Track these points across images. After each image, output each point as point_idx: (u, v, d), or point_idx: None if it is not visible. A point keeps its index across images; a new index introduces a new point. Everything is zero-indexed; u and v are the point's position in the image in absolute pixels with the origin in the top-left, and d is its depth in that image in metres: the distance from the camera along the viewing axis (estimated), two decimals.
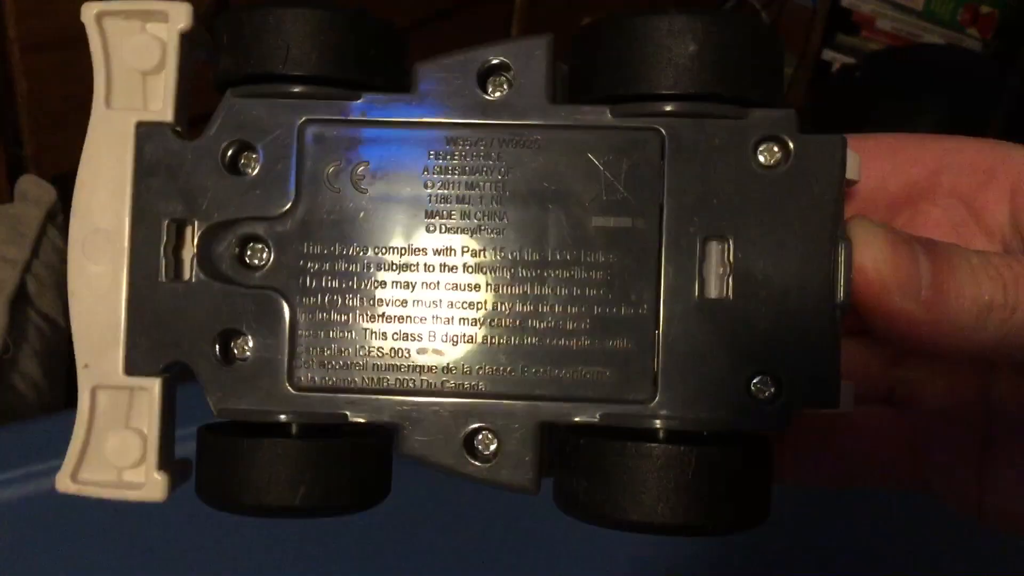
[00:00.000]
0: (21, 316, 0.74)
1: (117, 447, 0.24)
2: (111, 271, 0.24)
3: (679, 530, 0.23)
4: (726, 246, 0.23)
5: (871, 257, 0.23)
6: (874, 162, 0.26)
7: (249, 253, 0.24)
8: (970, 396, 0.28)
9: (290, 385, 0.24)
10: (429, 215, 0.24)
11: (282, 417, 0.24)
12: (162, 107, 0.24)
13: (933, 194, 0.27)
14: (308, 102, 0.24)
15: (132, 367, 0.24)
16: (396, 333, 0.24)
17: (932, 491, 0.28)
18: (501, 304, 0.24)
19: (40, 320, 0.75)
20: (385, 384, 0.24)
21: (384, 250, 0.24)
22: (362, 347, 0.24)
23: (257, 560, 0.47)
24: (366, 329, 0.24)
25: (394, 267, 0.24)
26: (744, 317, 0.23)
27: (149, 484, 0.24)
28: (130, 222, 0.24)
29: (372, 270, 0.24)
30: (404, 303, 0.24)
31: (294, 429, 0.24)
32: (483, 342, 0.24)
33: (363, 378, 0.24)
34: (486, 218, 0.24)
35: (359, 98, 0.24)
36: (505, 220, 0.24)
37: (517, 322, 0.24)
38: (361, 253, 0.24)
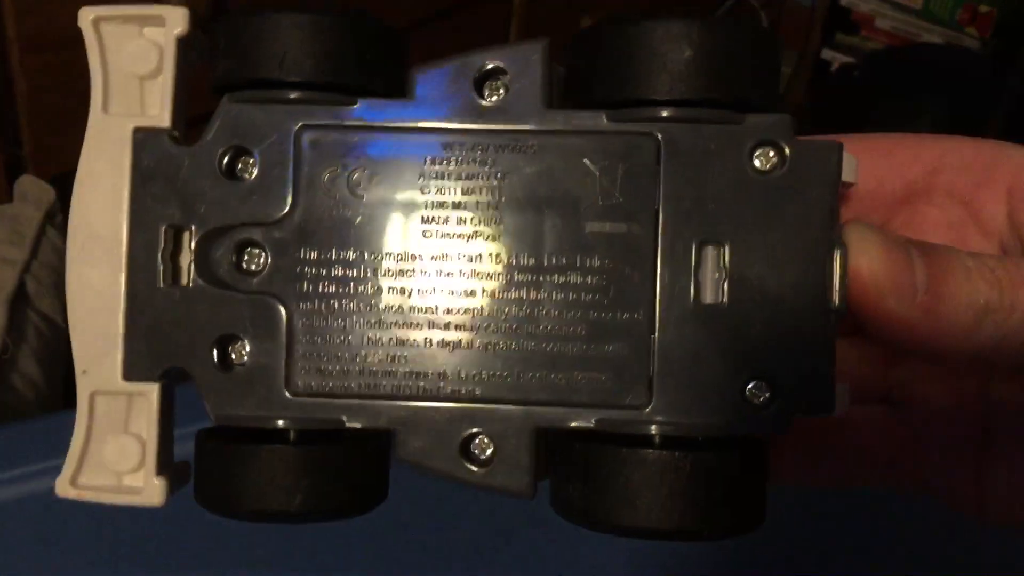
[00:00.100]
0: (20, 316, 0.74)
1: (116, 452, 0.24)
2: (109, 277, 0.24)
3: (674, 535, 0.23)
4: (722, 251, 0.23)
5: (866, 261, 0.23)
6: (872, 162, 0.26)
7: (246, 258, 0.24)
8: (968, 395, 0.28)
9: (287, 391, 0.24)
10: (425, 220, 0.24)
11: (280, 423, 0.24)
12: (159, 112, 0.24)
13: (930, 194, 0.27)
14: (305, 107, 0.24)
15: (130, 373, 0.24)
16: (392, 339, 0.24)
17: (931, 491, 0.28)
18: (497, 309, 0.24)
19: (39, 320, 0.75)
20: (381, 390, 0.24)
21: (381, 256, 0.24)
22: (359, 353, 0.24)
23: (256, 557, 0.47)
24: (362, 335, 0.24)
25: (390, 273, 0.24)
26: (739, 322, 0.23)
27: (148, 489, 0.24)
28: (128, 228, 0.24)
29: (369, 275, 0.24)
30: (401, 309, 0.24)
31: (292, 435, 0.24)
32: (479, 347, 0.24)
33: (360, 384, 0.24)
34: (482, 224, 0.24)
35: (356, 103, 0.24)
36: (501, 225, 0.24)
37: (513, 327, 0.24)
38: (358, 259, 0.24)
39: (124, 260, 0.24)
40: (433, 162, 0.24)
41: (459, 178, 0.24)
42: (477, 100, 0.24)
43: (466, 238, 0.24)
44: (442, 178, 0.24)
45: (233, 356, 0.24)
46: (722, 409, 0.23)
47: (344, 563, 0.47)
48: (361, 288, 0.24)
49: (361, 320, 0.24)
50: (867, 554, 0.49)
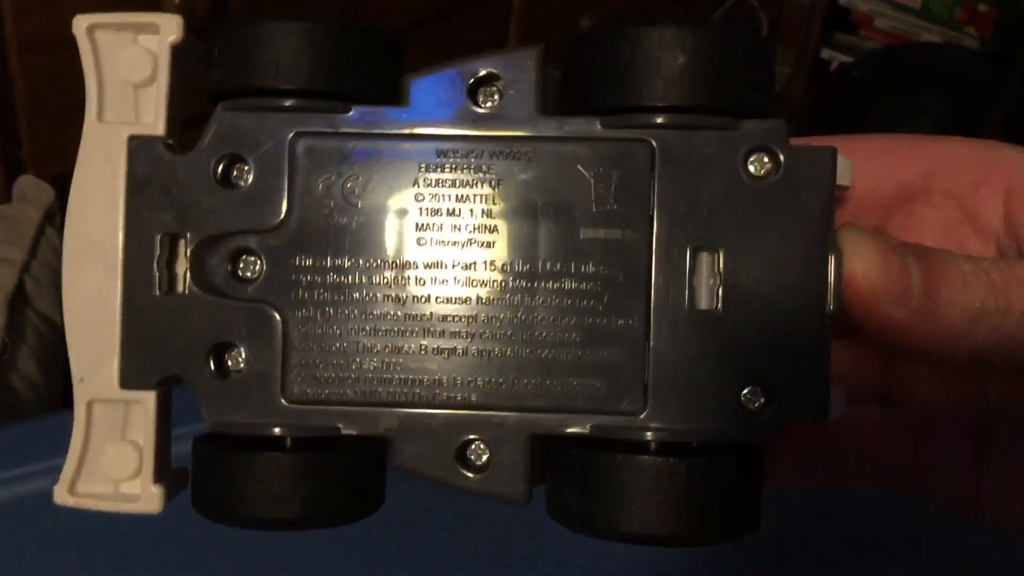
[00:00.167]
0: (19, 316, 0.74)
1: (114, 459, 0.24)
2: (105, 285, 0.24)
3: (670, 541, 0.23)
4: (716, 257, 0.23)
5: (861, 266, 0.23)
6: (868, 163, 0.26)
7: (242, 266, 0.24)
8: (966, 396, 0.28)
9: (283, 398, 0.24)
10: (420, 228, 0.24)
11: (276, 430, 0.24)
12: (154, 120, 0.24)
13: (927, 195, 0.27)
14: (299, 115, 0.24)
15: (127, 381, 0.24)
16: (388, 346, 0.24)
17: (929, 491, 0.28)
18: (492, 316, 0.24)
19: (38, 320, 0.75)
20: (378, 397, 0.24)
21: (375, 263, 0.24)
22: (354, 360, 0.24)
23: (254, 558, 0.47)
24: (358, 342, 0.24)
25: (385, 280, 0.24)
26: (734, 328, 0.23)
27: (145, 496, 0.24)
28: (123, 236, 0.24)
29: (364, 283, 0.24)
30: (396, 316, 0.24)
31: (288, 442, 0.24)
32: (475, 354, 0.24)
33: (355, 391, 0.24)
34: (476, 231, 0.24)
35: (350, 111, 0.24)
36: (496, 233, 0.24)
37: (508, 334, 0.24)
38: (353, 266, 0.24)
39: (120, 268, 0.24)
40: (428, 169, 0.24)
41: (454, 185, 0.24)
42: (471, 107, 0.24)
43: (461, 245, 0.24)
44: (437, 185, 0.24)
45: (229, 363, 0.24)
46: (717, 415, 0.23)
47: (341, 566, 0.47)
48: (356, 295, 0.24)
49: (356, 327, 0.24)
50: (867, 554, 0.49)
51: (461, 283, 0.24)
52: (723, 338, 0.23)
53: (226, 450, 0.24)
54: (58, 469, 0.24)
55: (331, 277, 0.24)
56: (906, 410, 0.29)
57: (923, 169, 0.27)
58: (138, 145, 0.24)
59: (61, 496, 0.24)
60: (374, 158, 0.24)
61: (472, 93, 0.24)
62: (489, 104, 0.24)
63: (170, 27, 0.24)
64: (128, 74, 0.24)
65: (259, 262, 0.24)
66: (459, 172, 0.24)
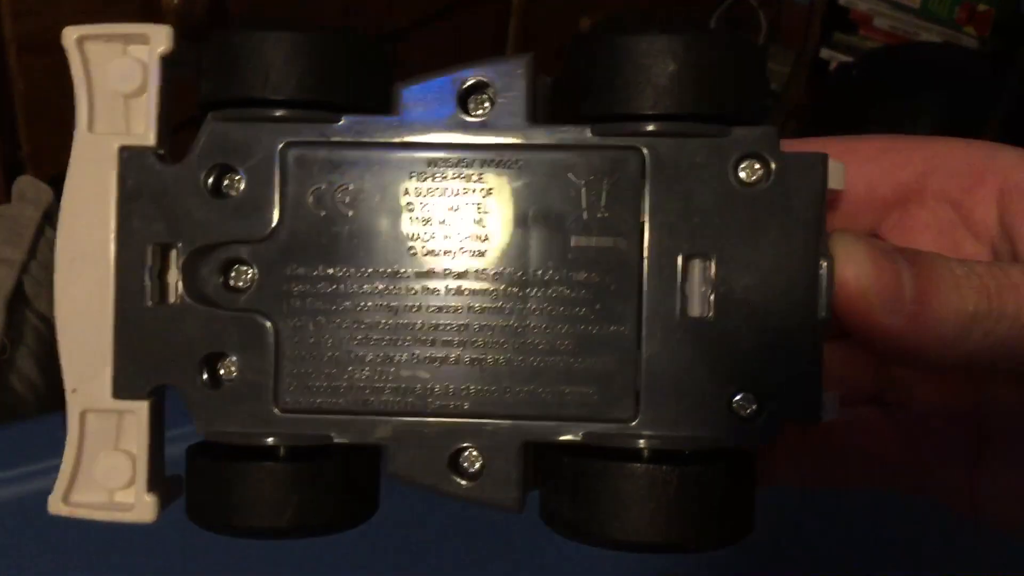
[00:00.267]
0: (18, 317, 0.74)
1: (107, 469, 0.24)
2: (97, 296, 0.24)
3: (662, 548, 0.23)
4: (708, 264, 0.23)
5: (853, 272, 0.22)
6: (863, 165, 0.26)
7: (233, 276, 0.24)
8: (962, 396, 0.28)
9: (276, 407, 0.24)
10: (411, 238, 0.24)
11: (269, 440, 0.24)
12: (144, 130, 0.24)
13: (922, 196, 0.27)
14: (290, 124, 0.24)
15: (120, 391, 0.24)
16: (380, 355, 0.24)
17: (926, 491, 0.28)
18: (484, 325, 0.24)
19: (37, 321, 0.76)
20: (370, 406, 0.24)
21: (367, 272, 0.24)
22: (346, 369, 0.24)
23: (250, 557, 0.47)
24: (350, 351, 0.24)
25: (377, 289, 0.24)
26: (726, 335, 0.23)
27: (139, 506, 0.24)
28: (115, 247, 0.24)
29: (355, 292, 0.24)
30: (388, 325, 0.24)
31: (281, 451, 0.24)
32: (467, 363, 0.24)
33: (348, 400, 0.24)
34: (468, 239, 0.24)
35: (340, 120, 0.24)
36: (487, 241, 0.24)
37: (500, 342, 0.24)
38: (344, 275, 0.24)
39: (112, 279, 0.24)
40: (418, 177, 0.24)
41: (444, 193, 0.24)
42: (462, 115, 0.24)
43: (452, 254, 0.24)
44: (428, 194, 0.24)
45: (222, 373, 0.24)
46: (709, 422, 0.23)
47: (335, 570, 0.47)
48: (348, 304, 0.24)
49: (349, 336, 0.24)
50: (867, 554, 0.49)
51: (453, 292, 0.24)
52: (715, 345, 0.23)
53: (219, 459, 0.24)
54: (57, 469, 0.24)
55: (323, 286, 0.24)
56: (903, 411, 0.28)
57: (918, 170, 0.27)
58: (129, 156, 0.24)
59: (55, 506, 0.24)
60: (365, 167, 0.24)
61: (462, 101, 0.24)
62: (480, 112, 0.24)
63: (160, 37, 0.24)
64: (118, 85, 0.24)
65: (251, 272, 0.24)
66: (450, 180, 0.24)
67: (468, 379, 0.24)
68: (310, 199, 0.24)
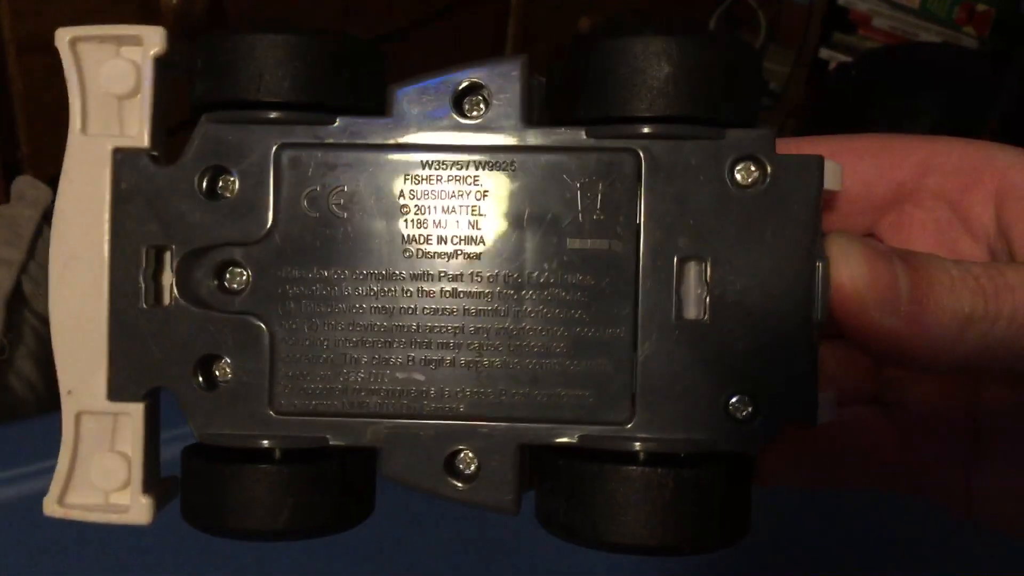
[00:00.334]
0: (17, 317, 0.74)
1: (103, 471, 0.24)
2: (92, 298, 0.24)
3: (658, 551, 0.23)
4: (703, 267, 0.23)
5: (848, 273, 0.22)
6: (860, 164, 0.26)
7: (228, 278, 0.24)
8: (958, 397, 0.28)
9: (271, 409, 0.24)
10: (406, 240, 0.24)
11: (264, 442, 0.24)
12: (138, 132, 0.24)
13: (919, 196, 0.27)
14: (284, 126, 0.24)
15: (115, 393, 0.24)
16: (375, 357, 0.24)
17: (923, 491, 0.28)
18: (479, 327, 0.24)
19: (36, 321, 0.75)
20: (365, 407, 0.24)
21: (362, 275, 0.24)
22: (342, 371, 0.24)
23: (245, 559, 0.47)
24: (345, 353, 0.24)
25: (372, 291, 0.24)
26: (722, 337, 0.23)
27: (134, 507, 0.24)
28: (109, 249, 0.24)
29: (350, 294, 0.24)
30: (383, 327, 0.24)
31: (276, 453, 0.24)
32: (462, 365, 0.24)
33: (343, 402, 0.24)
34: (463, 242, 0.24)
35: (335, 122, 0.24)
36: (482, 244, 0.24)
37: (496, 344, 0.24)
38: (339, 277, 0.24)
39: (106, 281, 0.24)
40: (413, 179, 0.24)
41: (439, 196, 0.24)
42: (456, 118, 0.24)
43: (447, 256, 0.24)
44: (423, 196, 0.24)
45: (217, 375, 0.24)
46: (705, 424, 0.23)
47: (333, 572, 0.47)
48: (343, 306, 0.24)
49: (344, 338, 0.24)
50: (867, 554, 0.49)
51: (448, 294, 0.24)
52: (710, 347, 0.23)
53: (215, 462, 0.24)
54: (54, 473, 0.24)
55: (317, 288, 0.24)
56: (899, 411, 0.28)
57: (915, 170, 0.27)
58: (123, 158, 0.24)
59: (50, 507, 0.24)
60: (359, 169, 0.24)
61: (457, 103, 0.24)
62: (475, 114, 0.24)
63: (153, 39, 0.24)
64: (111, 86, 0.24)
65: (245, 274, 0.24)
66: (445, 182, 0.24)
67: (463, 381, 0.24)
68: (304, 201, 0.24)
